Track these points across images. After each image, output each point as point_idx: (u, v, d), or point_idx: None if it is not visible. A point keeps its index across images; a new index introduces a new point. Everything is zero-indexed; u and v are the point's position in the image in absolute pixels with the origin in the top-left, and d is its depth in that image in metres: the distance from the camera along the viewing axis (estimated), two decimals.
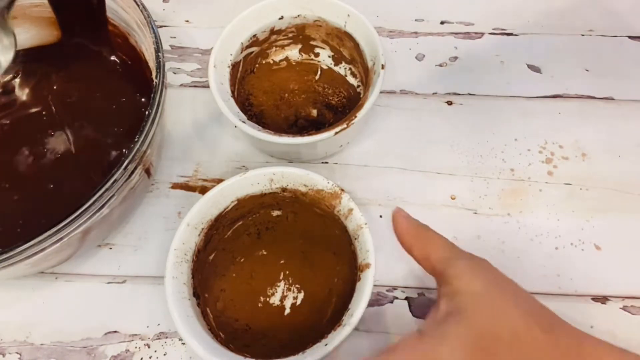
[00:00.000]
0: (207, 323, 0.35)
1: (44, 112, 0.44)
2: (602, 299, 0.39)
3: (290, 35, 0.47)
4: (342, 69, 0.47)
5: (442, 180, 0.44)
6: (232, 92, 0.43)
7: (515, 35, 0.51)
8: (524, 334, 0.27)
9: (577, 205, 0.42)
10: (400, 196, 0.43)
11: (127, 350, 0.38)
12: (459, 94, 0.48)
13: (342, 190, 0.36)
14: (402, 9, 0.53)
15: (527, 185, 0.43)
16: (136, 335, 0.38)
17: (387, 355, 0.27)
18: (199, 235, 0.36)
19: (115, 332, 0.39)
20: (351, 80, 0.47)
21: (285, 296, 0.38)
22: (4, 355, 0.38)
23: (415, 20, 0.52)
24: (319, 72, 0.48)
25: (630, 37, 0.50)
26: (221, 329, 0.36)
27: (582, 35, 0.51)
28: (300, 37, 0.47)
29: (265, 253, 0.39)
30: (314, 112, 0.46)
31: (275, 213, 0.40)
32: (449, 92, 0.48)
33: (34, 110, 0.45)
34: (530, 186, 0.43)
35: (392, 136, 0.46)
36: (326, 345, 0.31)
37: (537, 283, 0.40)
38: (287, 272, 0.39)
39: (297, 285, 0.38)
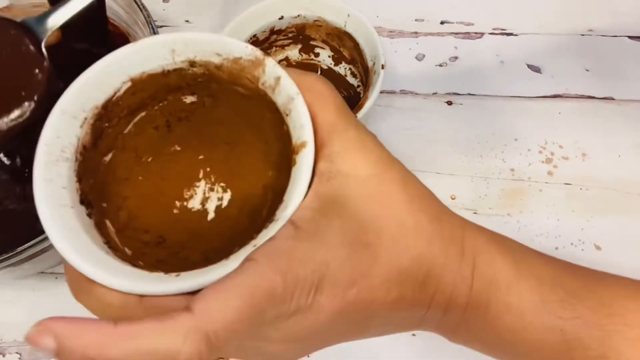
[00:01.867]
0: (106, 238, 0.28)
1: None
2: None
3: (290, 35, 0.47)
4: (342, 69, 0.47)
5: (442, 180, 0.44)
6: None
7: (515, 35, 0.51)
8: (410, 223, 0.24)
9: (577, 205, 0.42)
10: None
11: None
12: (459, 94, 0.48)
13: (266, 54, 0.28)
14: (402, 9, 0.53)
15: (527, 185, 0.43)
16: None
17: (255, 261, 0.22)
18: (81, 127, 0.28)
19: None
20: (351, 80, 0.47)
21: (207, 198, 0.31)
22: (4, 355, 0.38)
23: (415, 20, 0.52)
24: (319, 72, 0.48)
25: (630, 37, 0.50)
26: (127, 244, 0.29)
27: (582, 35, 0.51)
28: (300, 37, 0.47)
29: (178, 149, 0.32)
30: None
31: (189, 99, 0.32)
32: (449, 92, 0.48)
33: None
34: (530, 186, 0.43)
35: (392, 136, 0.46)
36: (255, 246, 0.24)
37: None
38: (208, 170, 0.32)
39: (221, 184, 0.31)
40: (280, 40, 0.47)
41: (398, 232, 0.24)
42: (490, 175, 0.44)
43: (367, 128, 0.26)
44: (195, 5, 0.54)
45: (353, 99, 0.46)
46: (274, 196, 0.29)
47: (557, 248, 0.41)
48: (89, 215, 0.28)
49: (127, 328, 0.19)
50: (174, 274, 0.24)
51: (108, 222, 0.29)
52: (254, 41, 0.45)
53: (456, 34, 0.51)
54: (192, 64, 0.30)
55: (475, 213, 0.42)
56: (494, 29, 0.51)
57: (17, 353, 0.38)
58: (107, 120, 0.30)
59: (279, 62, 0.48)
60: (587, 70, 0.49)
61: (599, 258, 0.40)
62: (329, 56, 0.48)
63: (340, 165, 0.24)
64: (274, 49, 0.48)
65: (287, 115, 0.27)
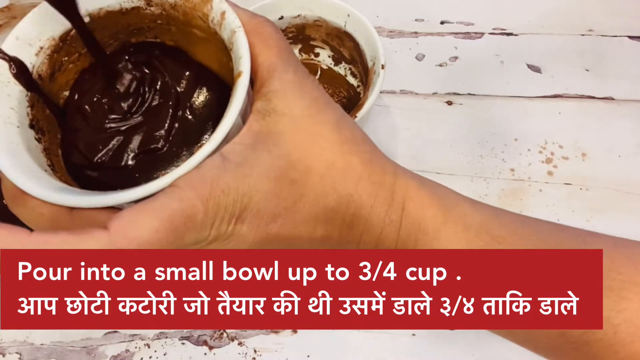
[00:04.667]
0: (55, 166, 0.29)
1: None
2: None
3: (290, 35, 0.47)
4: (342, 69, 0.47)
5: (442, 180, 0.43)
6: None
7: (515, 35, 0.51)
8: (340, 164, 0.25)
9: (577, 205, 0.42)
10: None
11: (127, 350, 0.38)
12: (459, 94, 0.48)
13: None
14: (402, 9, 0.53)
15: (527, 185, 0.43)
16: (136, 335, 0.38)
17: (178, 187, 0.22)
18: (37, 55, 0.28)
19: (115, 332, 0.39)
20: (351, 80, 0.47)
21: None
22: (4, 355, 0.38)
23: (415, 20, 0.52)
24: (319, 72, 0.48)
25: (630, 37, 0.50)
26: (76, 178, 0.30)
27: (582, 35, 0.51)
28: (300, 37, 0.47)
29: None
30: None
31: None
32: (449, 92, 0.48)
33: None
34: (530, 186, 0.43)
35: (392, 136, 0.46)
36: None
37: None
38: None
39: None
40: None
41: (326, 171, 0.24)
42: (490, 175, 0.44)
43: (314, 77, 0.27)
44: None
45: (353, 99, 0.46)
46: None
47: None
48: (38, 140, 0.28)
49: (41, 236, 0.20)
50: (102, 192, 0.24)
51: (61, 152, 0.29)
52: None
53: (456, 34, 0.51)
54: (149, 2, 0.30)
55: None
56: (494, 29, 0.51)
57: (17, 353, 0.38)
58: (66, 53, 0.30)
59: None
60: (587, 70, 0.49)
61: None
62: (329, 56, 0.48)
63: (276, 104, 0.25)
64: None
65: (231, 49, 0.27)
